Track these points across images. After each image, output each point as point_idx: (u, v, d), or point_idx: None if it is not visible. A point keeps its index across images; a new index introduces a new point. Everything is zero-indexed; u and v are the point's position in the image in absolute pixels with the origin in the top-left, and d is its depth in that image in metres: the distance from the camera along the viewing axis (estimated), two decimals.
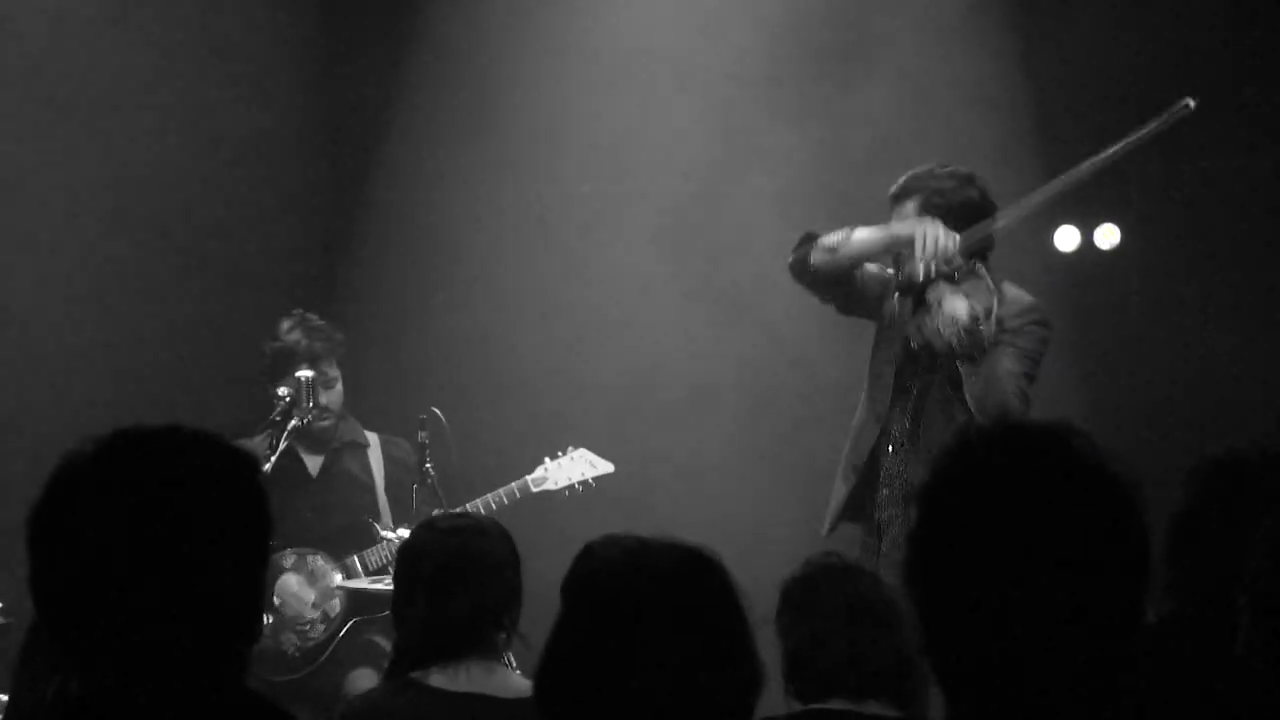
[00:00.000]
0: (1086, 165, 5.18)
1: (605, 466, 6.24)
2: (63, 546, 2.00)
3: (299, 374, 5.93)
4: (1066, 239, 7.46)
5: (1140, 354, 7.13)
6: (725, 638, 2.22)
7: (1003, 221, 5.15)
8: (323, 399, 6.14)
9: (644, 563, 2.24)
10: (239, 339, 6.84)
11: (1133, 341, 7.18)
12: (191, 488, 2.02)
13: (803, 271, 5.23)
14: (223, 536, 2.03)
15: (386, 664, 4.01)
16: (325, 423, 6.22)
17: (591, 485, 6.19)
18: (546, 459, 6.20)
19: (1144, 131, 5.10)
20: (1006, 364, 4.95)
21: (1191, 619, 3.03)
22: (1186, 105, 5.01)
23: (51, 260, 6.92)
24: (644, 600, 2.20)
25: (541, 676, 2.26)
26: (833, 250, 5.15)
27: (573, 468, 6.19)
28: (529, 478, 6.14)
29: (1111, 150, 5.14)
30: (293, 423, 5.86)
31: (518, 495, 6.09)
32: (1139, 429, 6.66)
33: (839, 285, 5.25)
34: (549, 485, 6.14)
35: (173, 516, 1.99)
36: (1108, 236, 7.42)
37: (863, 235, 5.13)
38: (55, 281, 6.90)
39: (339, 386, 6.32)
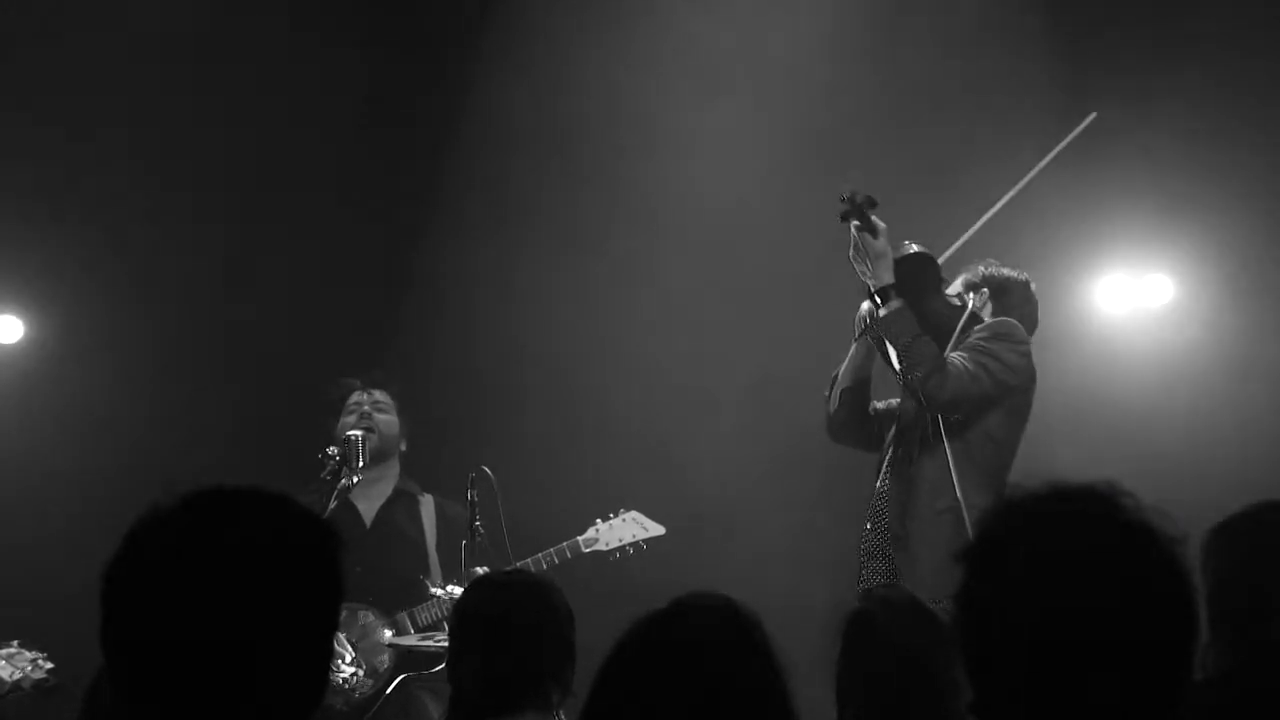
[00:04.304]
0: (1013, 191, 5.49)
1: (656, 529, 6.23)
2: (136, 601, 1.99)
3: (349, 433, 5.98)
4: (1116, 293, 7.44)
5: (1189, 410, 7.08)
6: (760, 693, 2.21)
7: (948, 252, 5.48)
8: (377, 417, 6.35)
9: (678, 619, 2.24)
10: (287, 399, 6.92)
11: (1182, 397, 7.14)
12: (269, 551, 2.02)
13: (832, 426, 5.63)
14: (296, 602, 2.02)
15: None
16: (371, 440, 6.25)
17: (643, 548, 6.18)
18: (598, 520, 6.20)
19: (1056, 150, 5.50)
20: (959, 353, 5.26)
21: (1238, 677, 3.01)
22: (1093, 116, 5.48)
23: (104, 332, 7.04)
24: (678, 657, 2.19)
25: None
26: (834, 384, 5.57)
27: (624, 529, 6.19)
28: (580, 539, 6.14)
29: (1032, 173, 5.51)
30: (342, 481, 5.89)
31: (568, 555, 6.09)
32: (1188, 486, 6.60)
33: (862, 422, 5.57)
34: (599, 546, 6.13)
35: (248, 578, 1.99)
36: (1159, 291, 7.40)
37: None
38: (108, 355, 7.02)
39: (393, 415, 6.43)
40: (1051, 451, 6.51)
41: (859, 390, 5.52)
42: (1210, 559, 3.04)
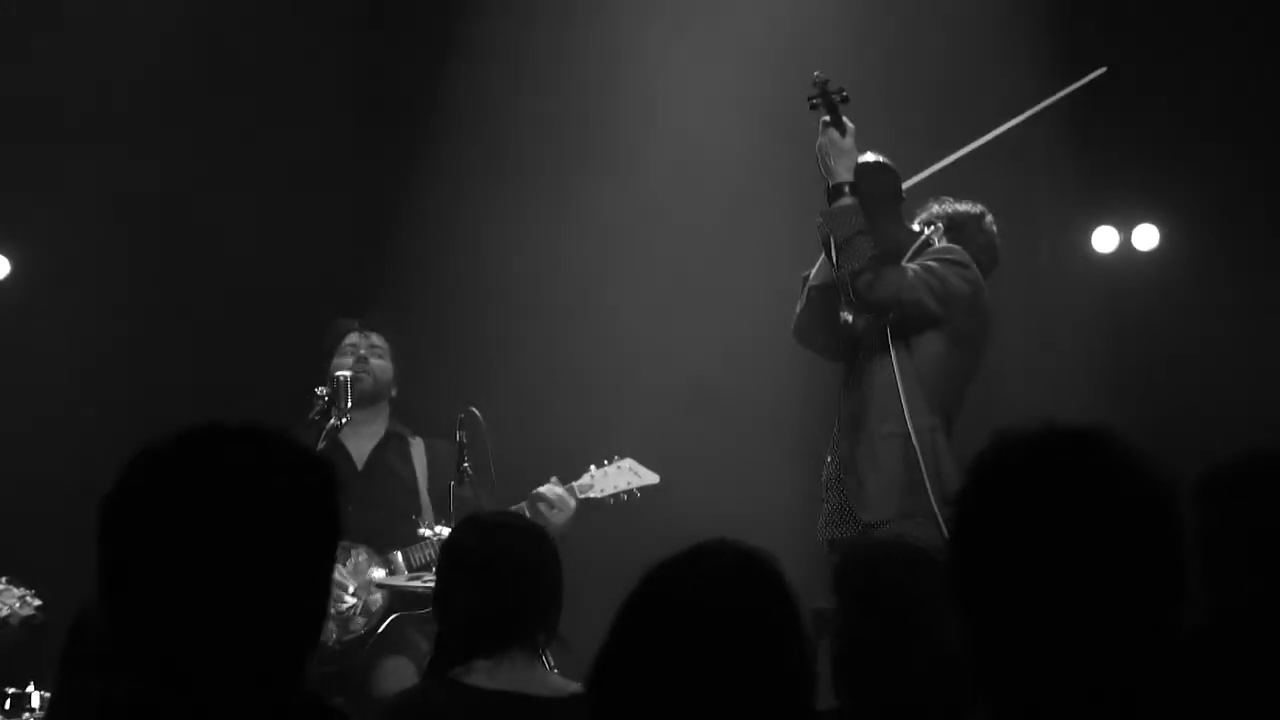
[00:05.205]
0: (1002, 128, 5.59)
1: (650, 477, 6.21)
2: (132, 537, 1.98)
3: (338, 373, 5.97)
4: (1105, 240, 7.46)
5: (1179, 356, 7.10)
6: (780, 640, 2.20)
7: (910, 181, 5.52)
8: (372, 361, 6.33)
9: (699, 564, 2.23)
10: (282, 346, 6.92)
11: (1171, 343, 7.15)
12: (266, 487, 2.01)
13: (798, 325, 5.59)
14: (294, 539, 2.01)
15: (426, 659, 4.03)
16: (364, 383, 6.23)
17: (637, 496, 6.17)
18: (592, 467, 6.18)
19: (1058, 95, 5.60)
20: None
21: (1230, 629, 3.00)
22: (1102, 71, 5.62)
23: (96, 272, 7.03)
24: (699, 602, 2.18)
25: (596, 675, 2.23)
26: (804, 284, 5.51)
27: (618, 477, 6.17)
28: (575, 484, 6.14)
29: (1026, 114, 5.60)
30: (331, 422, 5.89)
31: None
32: (1177, 432, 6.63)
33: (828, 325, 5.48)
34: (593, 493, 6.12)
35: (245, 514, 1.98)
36: (1146, 238, 7.41)
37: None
38: (99, 293, 7.00)
39: (387, 361, 6.43)
40: (1042, 394, 6.55)
41: (828, 290, 5.42)
42: (1201, 506, 3.04)
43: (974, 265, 5.35)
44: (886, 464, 5.20)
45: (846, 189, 5.22)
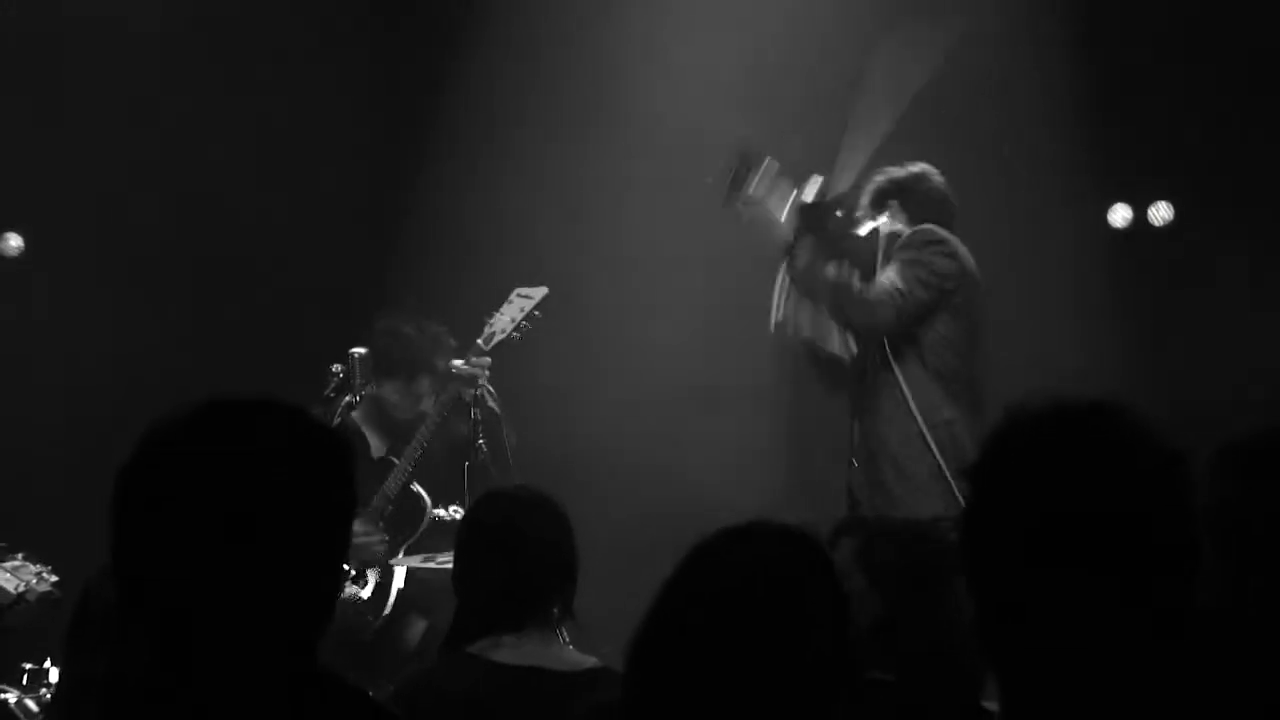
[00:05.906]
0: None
1: (539, 291, 6.05)
2: (146, 511, 1.97)
3: (352, 350, 5.97)
4: (1120, 216, 7.45)
5: (1192, 331, 7.10)
6: (825, 614, 2.19)
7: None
8: (424, 405, 6.10)
9: (746, 543, 2.23)
10: (288, 341, 6.94)
11: (1185, 318, 7.15)
12: (281, 461, 1.99)
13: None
14: (308, 513, 2.00)
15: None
16: (412, 418, 6.17)
17: (537, 316, 6.00)
18: (485, 318, 6.01)
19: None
20: (889, 273, 5.34)
21: (1245, 610, 2.98)
22: None
23: (103, 261, 7.06)
24: (746, 577, 2.18)
25: (637, 646, 2.22)
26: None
27: (512, 310, 6.00)
28: (479, 342, 5.92)
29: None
30: (346, 398, 5.90)
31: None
32: (1190, 406, 6.62)
33: (829, 370, 5.61)
34: (500, 337, 5.90)
35: (260, 489, 1.97)
36: (1161, 213, 7.41)
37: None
38: (107, 282, 7.03)
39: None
40: (1055, 372, 6.55)
41: (813, 343, 5.56)
42: (1216, 482, 3.02)
43: (949, 239, 5.39)
44: (913, 473, 5.25)
45: (799, 241, 5.33)
